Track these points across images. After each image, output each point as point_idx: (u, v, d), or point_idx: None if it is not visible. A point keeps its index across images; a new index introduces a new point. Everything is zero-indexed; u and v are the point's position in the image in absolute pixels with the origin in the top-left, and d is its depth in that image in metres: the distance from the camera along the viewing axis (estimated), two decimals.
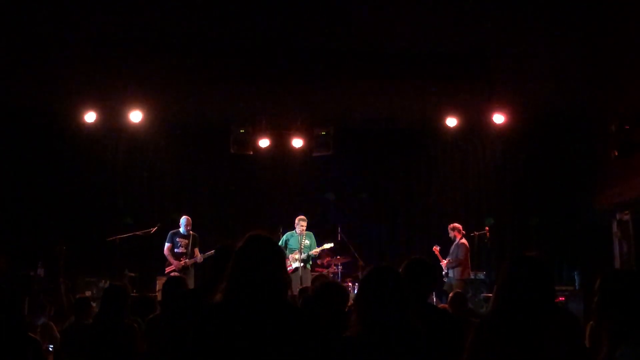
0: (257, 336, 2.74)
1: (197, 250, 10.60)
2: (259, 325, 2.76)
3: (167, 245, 10.60)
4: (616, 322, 2.78)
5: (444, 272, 10.71)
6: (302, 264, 10.44)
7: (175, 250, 10.56)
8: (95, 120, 11.52)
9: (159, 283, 10.51)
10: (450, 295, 7.38)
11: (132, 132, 11.98)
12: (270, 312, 2.80)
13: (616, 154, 9.55)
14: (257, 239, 2.96)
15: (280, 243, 10.62)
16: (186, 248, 10.58)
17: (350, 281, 11.27)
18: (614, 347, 2.70)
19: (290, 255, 10.51)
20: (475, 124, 12.08)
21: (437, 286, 10.51)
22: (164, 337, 4.18)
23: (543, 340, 2.78)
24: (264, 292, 2.81)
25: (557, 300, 8.47)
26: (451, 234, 10.98)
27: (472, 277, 10.56)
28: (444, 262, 10.72)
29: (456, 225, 11.00)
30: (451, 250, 10.84)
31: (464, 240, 10.81)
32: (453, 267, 10.64)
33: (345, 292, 4.63)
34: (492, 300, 3.07)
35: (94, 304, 7.32)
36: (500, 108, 11.33)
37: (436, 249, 10.99)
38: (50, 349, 6.32)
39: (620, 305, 2.78)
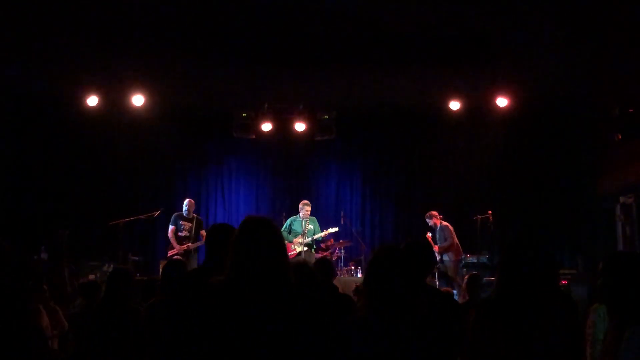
0: (262, 316, 2.75)
1: (203, 232, 10.55)
2: (265, 305, 2.76)
3: (171, 227, 10.59)
4: (621, 303, 2.79)
5: (437, 258, 10.72)
6: (305, 248, 10.46)
7: (179, 234, 10.54)
8: (97, 104, 11.50)
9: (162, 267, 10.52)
10: (466, 277, 7.40)
11: (135, 116, 11.95)
12: (275, 294, 2.80)
13: (620, 137, 9.52)
14: (256, 221, 2.97)
15: (283, 227, 10.66)
16: (189, 232, 10.56)
17: (353, 265, 11.32)
18: (622, 327, 2.71)
19: (293, 240, 10.54)
20: (479, 107, 12.03)
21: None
22: (164, 321, 4.17)
23: (542, 322, 2.79)
24: (268, 274, 2.81)
25: (560, 284, 8.49)
26: (430, 222, 11.04)
27: (475, 260, 10.57)
28: (436, 248, 10.73)
29: (432, 212, 11.07)
30: (437, 237, 10.86)
31: (445, 223, 10.87)
32: (445, 252, 10.69)
33: None
34: (495, 283, 3.08)
35: None
36: (503, 91, 11.29)
37: (429, 236, 10.96)
38: None
39: (624, 287, 2.79)
